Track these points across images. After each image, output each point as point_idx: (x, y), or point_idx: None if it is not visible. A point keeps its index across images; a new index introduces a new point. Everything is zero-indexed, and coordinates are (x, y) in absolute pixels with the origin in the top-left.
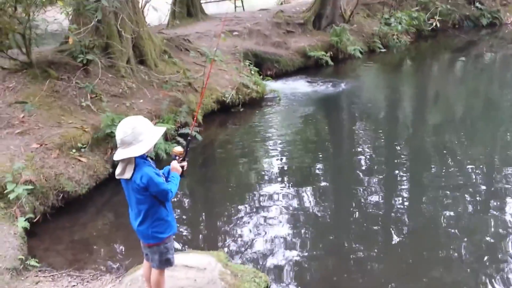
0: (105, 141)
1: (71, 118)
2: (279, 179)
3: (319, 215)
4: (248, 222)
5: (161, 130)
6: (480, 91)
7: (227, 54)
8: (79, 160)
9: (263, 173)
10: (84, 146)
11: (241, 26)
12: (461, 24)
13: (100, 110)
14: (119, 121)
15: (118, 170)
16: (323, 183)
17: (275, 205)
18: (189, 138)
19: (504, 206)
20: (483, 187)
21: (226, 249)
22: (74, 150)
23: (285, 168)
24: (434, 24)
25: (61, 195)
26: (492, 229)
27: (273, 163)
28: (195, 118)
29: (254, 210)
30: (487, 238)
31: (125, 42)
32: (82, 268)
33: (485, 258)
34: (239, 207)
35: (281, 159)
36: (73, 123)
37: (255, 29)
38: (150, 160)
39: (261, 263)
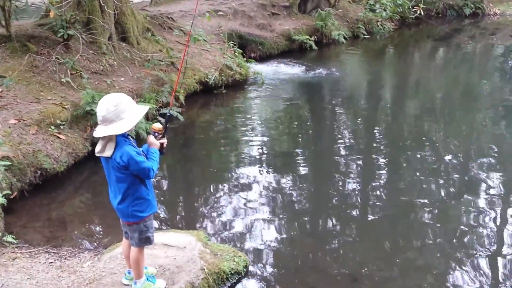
0: (84, 118)
1: (50, 94)
2: (260, 161)
3: (298, 197)
4: (228, 203)
5: (144, 108)
6: (459, 80)
7: (211, 34)
8: (58, 137)
9: (243, 155)
10: (63, 123)
11: (226, 6)
12: (444, 13)
13: (80, 87)
14: (100, 99)
15: (98, 148)
16: (302, 167)
17: (254, 187)
18: (168, 114)
19: (477, 193)
20: (458, 174)
21: (206, 229)
22: (53, 127)
23: (266, 151)
24: (418, 12)
25: (39, 172)
26: (465, 215)
27: (254, 146)
28: (173, 94)
29: (234, 191)
30: (460, 224)
31: (107, 18)
32: (59, 246)
33: (457, 243)
34: (219, 188)
35: (262, 142)
36: (52, 99)
37: (240, 10)
38: (131, 138)
39: (240, 243)
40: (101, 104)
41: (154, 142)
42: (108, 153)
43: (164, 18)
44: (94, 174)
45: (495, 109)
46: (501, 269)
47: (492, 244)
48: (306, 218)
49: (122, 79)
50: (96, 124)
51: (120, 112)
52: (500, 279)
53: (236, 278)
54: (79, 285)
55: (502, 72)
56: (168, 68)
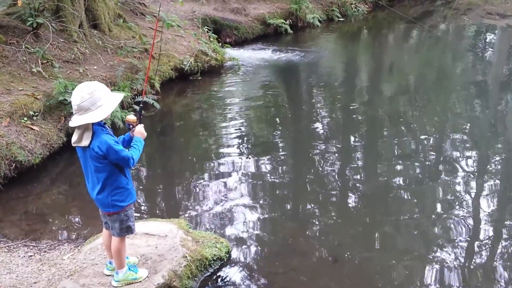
0: (58, 108)
1: (21, 85)
2: (239, 147)
3: (278, 182)
4: (208, 191)
5: (119, 96)
6: (433, 61)
7: (184, 20)
8: (31, 129)
9: (222, 141)
10: (36, 114)
11: None
12: None
13: (51, 76)
14: (72, 88)
15: (74, 138)
16: (281, 151)
17: (234, 173)
18: (141, 105)
19: (453, 172)
20: (434, 154)
21: (187, 217)
22: (25, 118)
23: (244, 136)
24: None
25: (14, 164)
26: (442, 194)
27: (232, 132)
28: (145, 83)
29: (214, 178)
30: (437, 203)
31: (77, 5)
32: (38, 239)
33: (435, 222)
34: (199, 175)
35: (240, 128)
36: (23, 90)
37: None
38: (107, 127)
39: (222, 229)
40: (75, 92)
41: (142, 132)
42: (85, 142)
43: (136, 3)
44: (71, 165)
45: (468, 89)
46: (477, 244)
47: (468, 221)
48: (286, 203)
49: (95, 67)
50: (70, 114)
51: (95, 100)
52: (477, 253)
53: (219, 264)
54: (60, 278)
55: (474, 52)
56: (141, 55)
